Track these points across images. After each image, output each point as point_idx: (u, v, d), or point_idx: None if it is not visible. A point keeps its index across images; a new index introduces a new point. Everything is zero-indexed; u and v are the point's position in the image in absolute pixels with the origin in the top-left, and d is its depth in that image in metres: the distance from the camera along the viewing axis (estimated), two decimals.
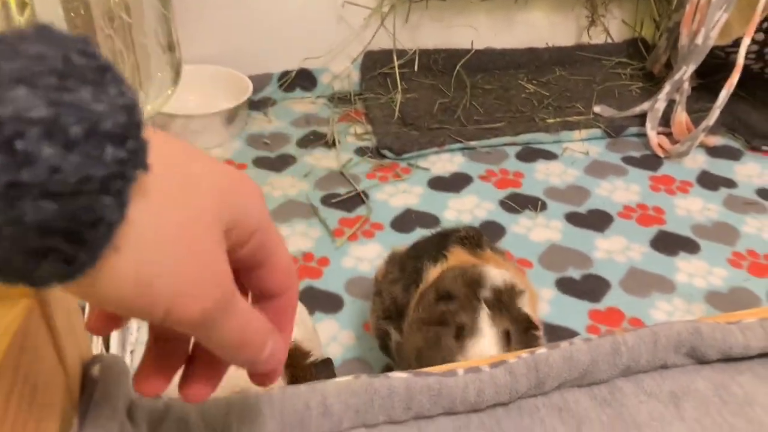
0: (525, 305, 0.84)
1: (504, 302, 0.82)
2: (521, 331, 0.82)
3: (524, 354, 0.65)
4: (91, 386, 0.51)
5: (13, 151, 0.25)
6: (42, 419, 0.44)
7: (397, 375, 0.62)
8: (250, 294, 0.43)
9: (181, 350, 0.43)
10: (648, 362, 0.66)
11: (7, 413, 0.38)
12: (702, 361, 0.68)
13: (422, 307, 0.88)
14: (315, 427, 0.59)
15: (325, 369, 0.78)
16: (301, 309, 0.97)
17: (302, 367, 0.75)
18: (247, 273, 0.39)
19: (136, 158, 0.29)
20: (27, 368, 0.41)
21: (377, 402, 0.60)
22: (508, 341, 0.80)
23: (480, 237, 1.06)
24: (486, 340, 0.79)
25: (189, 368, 0.43)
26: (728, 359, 0.69)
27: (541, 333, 0.85)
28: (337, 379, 0.62)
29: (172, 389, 0.80)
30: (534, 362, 0.63)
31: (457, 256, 0.94)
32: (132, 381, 0.42)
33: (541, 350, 0.65)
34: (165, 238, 0.31)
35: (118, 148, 0.27)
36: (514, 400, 0.64)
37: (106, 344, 0.94)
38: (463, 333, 0.80)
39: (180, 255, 0.32)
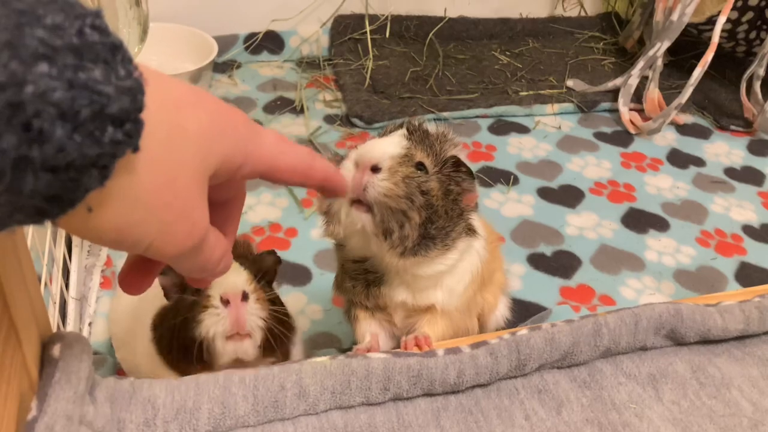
0: (459, 155, 0.71)
1: (431, 141, 0.71)
2: (447, 173, 0.70)
3: (505, 335, 0.63)
4: (51, 366, 0.47)
5: (29, 129, 0.26)
6: None
7: (376, 356, 0.60)
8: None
9: None
10: (628, 344, 0.65)
11: None
12: (681, 342, 0.68)
13: None
14: (290, 408, 0.56)
15: (271, 256, 0.74)
16: None
17: (249, 258, 0.72)
18: (266, 180, 0.44)
19: (129, 140, 0.31)
20: None
21: (354, 383, 0.58)
22: (419, 168, 0.67)
23: None
24: (388, 140, 0.68)
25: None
26: (706, 341, 0.68)
27: (477, 193, 0.72)
28: (314, 360, 0.59)
29: (149, 370, 0.75)
30: (515, 343, 0.62)
31: None
32: (118, 280, 0.45)
33: (522, 331, 0.63)
34: (146, 195, 0.34)
35: (116, 129, 0.30)
36: (494, 381, 0.63)
37: (63, 315, 0.90)
38: None
39: (159, 206, 0.35)
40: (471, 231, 0.71)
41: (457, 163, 0.70)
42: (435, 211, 0.66)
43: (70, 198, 0.30)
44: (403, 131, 0.71)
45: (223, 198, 0.45)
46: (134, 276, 0.44)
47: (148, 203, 0.34)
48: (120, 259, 1.07)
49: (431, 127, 0.74)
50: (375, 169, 0.65)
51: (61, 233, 0.94)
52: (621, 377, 0.64)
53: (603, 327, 0.64)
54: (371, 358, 0.59)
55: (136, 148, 0.31)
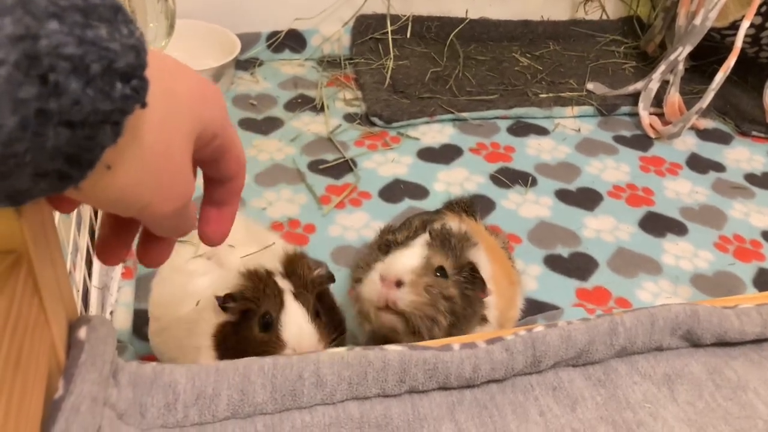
0: (478, 260, 0.80)
1: (451, 243, 0.79)
2: (464, 279, 0.78)
3: (521, 331, 0.64)
4: (77, 348, 0.49)
5: (46, 82, 0.28)
6: (27, 382, 0.41)
7: (392, 348, 0.61)
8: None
9: (135, 221, 0.46)
10: (644, 344, 0.66)
11: None
12: (697, 344, 0.68)
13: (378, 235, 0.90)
14: (307, 397, 0.57)
15: (328, 279, 0.79)
16: None
17: (309, 278, 0.76)
18: (207, 164, 0.45)
19: (137, 96, 0.32)
20: (13, 328, 0.39)
21: (371, 374, 0.59)
22: (440, 275, 0.76)
23: (472, 205, 1.05)
24: (409, 252, 0.76)
25: (146, 237, 0.48)
26: (722, 343, 0.68)
27: (489, 293, 0.80)
28: (331, 350, 0.60)
29: (166, 349, 0.78)
30: (531, 340, 0.62)
31: (448, 219, 0.94)
32: (94, 253, 0.48)
33: (539, 328, 0.64)
34: (149, 155, 0.36)
35: (125, 85, 0.31)
36: (509, 377, 0.63)
37: (85, 304, 0.91)
38: (394, 248, 0.79)
39: (159, 167, 0.37)
40: (483, 320, 0.80)
41: (474, 270, 0.78)
42: (457, 313, 0.76)
43: (88, 158, 0.31)
44: (426, 236, 0.79)
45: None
46: (111, 248, 0.46)
47: (150, 163, 0.36)
48: None
49: (454, 227, 0.83)
50: (399, 283, 0.74)
51: (85, 223, 0.96)
52: (636, 377, 0.64)
53: (619, 326, 0.64)
54: (388, 350, 0.60)
55: (144, 104, 0.33)
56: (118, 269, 0.99)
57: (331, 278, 0.79)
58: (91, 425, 0.47)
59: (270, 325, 0.71)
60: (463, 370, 0.60)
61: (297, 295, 0.73)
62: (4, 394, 0.37)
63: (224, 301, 0.71)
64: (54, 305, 0.47)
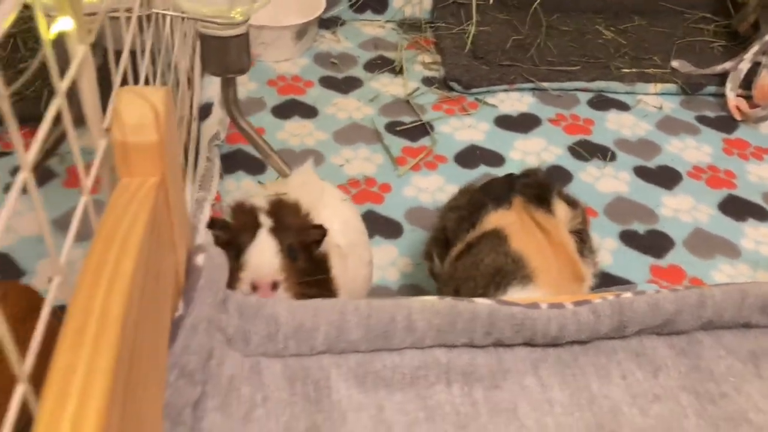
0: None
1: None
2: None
3: (609, 296, 0.64)
4: (196, 273, 0.52)
5: None
6: (160, 304, 0.45)
7: (482, 301, 0.62)
8: None
9: None
10: (731, 318, 0.66)
11: (143, 297, 0.39)
12: None
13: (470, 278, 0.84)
14: (398, 340, 0.60)
15: (317, 230, 0.78)
16: (353, 214, 0.93)
17: (293, 228, 0.76)
18: None
19: None
20: (156, 243, 0.42)
21: (460, 324, 0.61)
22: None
23: (547, 189, 0.95)
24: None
25: None
26: None
27: None
28: (423, 297, 0.62)
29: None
30: (619, 305, 0.63)
31: (518, 208, 0.90)
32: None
33: (626, 294, 0.65)
34: None
35: None
36: (593, 340, 0.64)
37: None
38: None
39: None
40: None
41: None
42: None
43: None
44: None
45: None
46: None
47: None
48: (228, 195, 1.13)
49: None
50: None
51: None
52: (721, 351, 0.65)
53: (708, 299, 0.64)
54: (477, 303, 0.61)
55: None
56: (206, 212, 1.03)
57: (323, 232, 0.78)
58: (206, 345, 0.51)
59: (240, 253, 0.73)
60: (549, 328, 0.62)
61: (273, 231, 0.74)
62: (152, 306, 0.40)
63: (209, 224, 0.77)
64: (180, 230, 0.50)
